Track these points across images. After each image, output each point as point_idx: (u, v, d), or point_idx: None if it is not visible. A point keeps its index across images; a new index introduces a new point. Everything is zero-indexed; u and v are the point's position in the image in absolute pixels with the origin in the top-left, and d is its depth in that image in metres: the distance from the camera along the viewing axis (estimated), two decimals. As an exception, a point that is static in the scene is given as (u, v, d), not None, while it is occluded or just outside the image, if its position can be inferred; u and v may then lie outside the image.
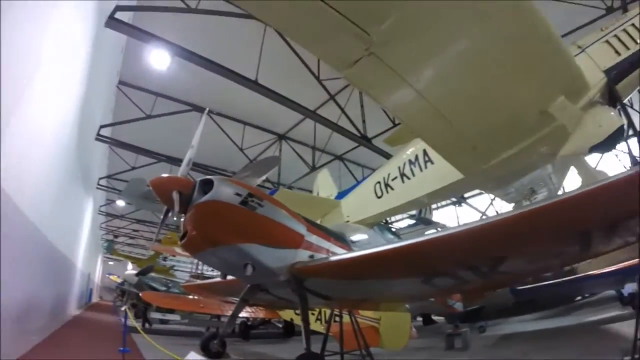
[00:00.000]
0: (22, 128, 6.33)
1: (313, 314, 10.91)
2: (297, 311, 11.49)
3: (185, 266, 46.19)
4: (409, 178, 9.65)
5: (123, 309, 24.10)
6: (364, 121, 13.75)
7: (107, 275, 44.19)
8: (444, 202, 24.29)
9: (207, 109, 6.18)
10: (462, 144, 6.12)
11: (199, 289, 10.60)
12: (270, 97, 11.47)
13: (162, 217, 4.96)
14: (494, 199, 19.53)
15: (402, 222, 24.82)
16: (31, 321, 8.92)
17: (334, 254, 5.37)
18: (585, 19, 10.32)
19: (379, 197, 10.62)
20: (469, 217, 23.18)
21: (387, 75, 4.93)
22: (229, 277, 5.81)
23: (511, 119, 5.81)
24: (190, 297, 14.47)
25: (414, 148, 9.67)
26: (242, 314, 12.70)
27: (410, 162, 9.64)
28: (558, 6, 9.79)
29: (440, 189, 8.72)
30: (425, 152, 9.19)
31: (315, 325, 10.57)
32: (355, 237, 6.51)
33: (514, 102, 5.57)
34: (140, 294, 21.26)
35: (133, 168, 19.54)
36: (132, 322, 5.82)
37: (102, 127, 14.41)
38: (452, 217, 24.88)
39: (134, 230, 36.25)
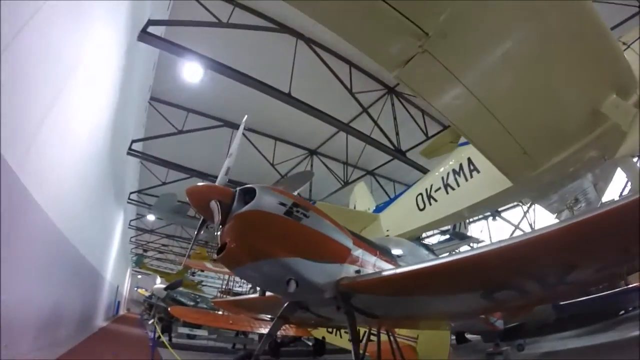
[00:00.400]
0: (54, 136, 6.31)
1: (347, 333, 10.63)
2: (330, 329, 11.27)
3: (213, 282, 46.45)
4: (453, 189, 9.23)
5: (151, 322, 24.24)
6: (397, 134, 13.48)
7: (135, 289, 44.73)
8: (476, 217, 23.60)
9: (245, 116, 5.83)
10: (513, 149, 5.73)
11: (229, 305, 10.35)
12: (303, 109, 11.31)
13: (197, 228, 4.69)
14: (527, 212, 19.02)
15: (433, 237, 24.23)
16: (57, 331, 8.91)
17: (380, 268, 5.04)
18: (619, 17, 9.84)
19: (421, 210, 10.21)
20: (502, 231, 22.48)
21: (439, 73, 4.68)
22: (268, 294, 5.51)
23: (563, 119, 5.48)
24: (219, 313, 14.36)
25: (458, 157, 9.28)
26: (262, 330, 12.48)
27: (454, 171, 9.21)
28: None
29: (487, 198, 8.28)
30: (470, 161, 8.80)
31: (346, 344, 10.31)
32: (398, 251, 6.15)
33: (566, 101, 5.25)
34: (168, 308, 21.35)
35: (164, 183, 19.60)
36: (160, 336, 5.60)
37: (134, 141, 14.50)
38: (485, 232, 24.07)
39: (163, 245, 36.48)
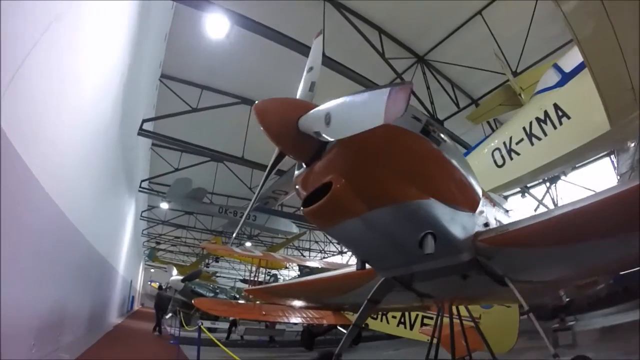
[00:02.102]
0: (53, 112, 5.41)
1: (394, 317, 9.79)
2: (374, 315, 10.31)
3: (227, 272, 45.76)
4: (539, 139, 8.12)
5: (167, 317, 23.38)
6: (432, 102, 12.47)
7: (149, 283, 43.98)
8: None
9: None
10: (623, 81, 5.01)
11: (266, 293, 9.03)
12: (339, 70, 10.47)
13: (269, 167, 3.32)
14: (550, 188, 17.94)
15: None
16: (63, 334, 7.71)
17: (501, 222, 4.03)
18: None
19: (500, 166, 8.89)
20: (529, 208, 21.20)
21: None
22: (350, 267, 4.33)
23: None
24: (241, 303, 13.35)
25: (539, 105, 8.23)
26: (306, 320, 11.43)
27: (539, 120, 8.12)
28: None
29: (581, 146, 7.38)
30: (557, 107, 7.80)
31: (399, 330, 9.69)
32: (504, 205, 5.22)
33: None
34: (186, 301, 20.43)
35: (176, 169, 18.49)
36: (208, 335, 4.47)
37: (144, 121, 13.33)
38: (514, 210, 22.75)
39: (176, 237, 35.53)
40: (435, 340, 6.39)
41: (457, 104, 13.19)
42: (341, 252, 34.31)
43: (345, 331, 14.30)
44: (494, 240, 3.35)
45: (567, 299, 8.98)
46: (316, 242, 34.18)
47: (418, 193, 2.88)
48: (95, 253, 10.46)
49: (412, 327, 9.65)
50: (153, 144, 19.57)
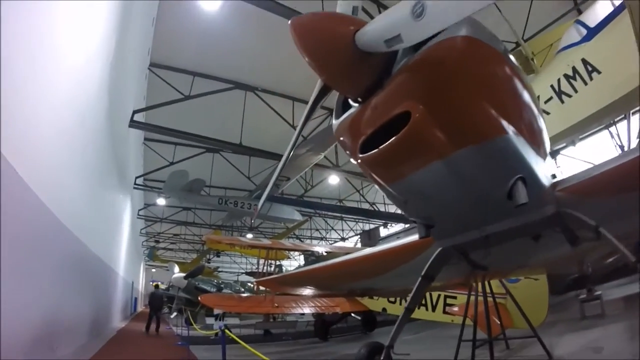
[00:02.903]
0: (42, 114, 5.03)
1: None
2: (392, 299, 9.82)
3: (229, 267, 45.21)
4: (570, 96, 7.69)
5: (172, 316, 22.83)
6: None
7: (150, 283, 43.37)
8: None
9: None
10: None
11: (289, 283, 8.20)
12: None
13: (309, 106, 2.62)
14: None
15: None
16: (59, 344, 6.85)
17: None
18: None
19: None
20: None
21: None
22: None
23: None
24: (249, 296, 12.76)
25: (566, 62, 7.83)
26: (320, 309, 10.85)
27: (567, 76, 7.69)
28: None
29: (614, 102, 6.94)
30: (585, 62, 7.39)
31: (420, 313, 9.03)
32: None
33: None
34: (190, 299, 19.82)
35: (171, 163, 17.79)
36: (233, 337, 3.88)
37: (135, 112, 12.56)
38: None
39: (175, 235, 34.84)
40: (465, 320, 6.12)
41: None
42: (343, 239, 33.80)
43: (358, 317, 13.86)
44: (578, 188, 2.81)
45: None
46: (317, 229, 33.60)
47: (507, 128, 2.31)
48: (89, 253, 9.74)
49: (434, 309, 9.16)
50: (145, 139, 18.90)
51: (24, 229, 4.97)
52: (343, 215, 29.54)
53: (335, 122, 2.62)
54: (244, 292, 20.73)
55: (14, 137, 4.16)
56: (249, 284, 24.93)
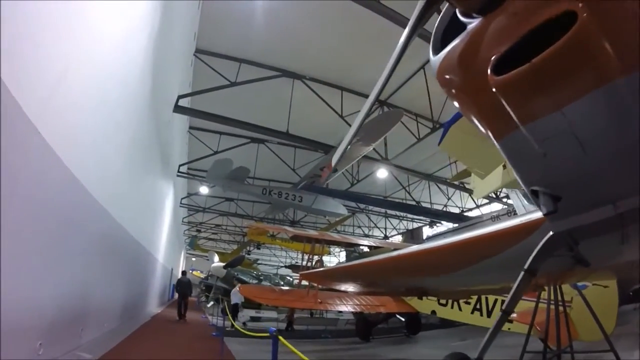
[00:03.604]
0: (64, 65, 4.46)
1: (468, 303, 8.80)
2: (443, 301, 9.18)
3: (269, 260, 45.17)
4: None
5: (209, 305, 22.69)
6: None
7: (190, 271, 43.93)
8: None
9: None
10: None
11: (338, 277, 7.33)
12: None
13: (414, 21, 2.07)
14: None
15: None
16: (85, 328, 6.55)
17: None
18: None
19: None
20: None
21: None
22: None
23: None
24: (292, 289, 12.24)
25: None
26: (365, 308, 10.21)
27: None
28: None
29: None
30: None
31: (474, 318, 8.63)
32: None
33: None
34: (228, 288, 19.52)
35: (216, 152, 17.65)
36: (286, 344, 3.32)
37: (180, 97, 12.31)
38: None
39: (217, 225, 34.92)
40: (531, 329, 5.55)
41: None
42: (386, 237, 32.93)
43: (402, 319, 13.10)
44: None
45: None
46: (359, 227, 32.88)
47: None
48: (127, 237, 9.53)
49: (489, 314, 8.43)
50: (191, 127, 18.75)
51: (56, 204, 4.63)
52: (387, 212, 28.76)
53: (437, 57, 2.00)
54: (283, 285, 20.33)
55: (46, 111, 3.87)
56: (288, 278, 24.58)
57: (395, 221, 31.80)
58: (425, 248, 4.24)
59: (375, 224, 32.16)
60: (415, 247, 4.59)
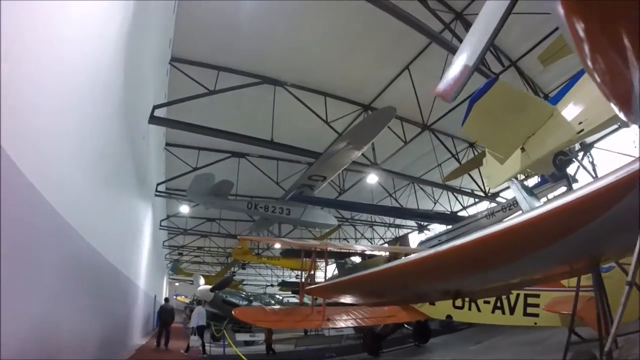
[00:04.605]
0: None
1: (487, 303, 8.30)
2: (459, 304, 8.63)
3: (254, 279, 44.19)
4: None
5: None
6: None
7: (174, 297, 42.49)
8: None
9: None
10: None
11: (349, 289, 6.24)
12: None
13: None
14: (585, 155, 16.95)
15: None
16: None
17: None
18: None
19: None
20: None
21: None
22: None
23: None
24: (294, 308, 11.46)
25: None
26: (377, 320, 9.51)
27: None
28: None
29: None
30: None
31: (495, 318, 8.17)
32: None
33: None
34: (217, 313, 18.62)
35: (195, 169, 16.87)
36: None
37: (155, 107, 11.43)
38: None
39: (199, 248, 33.74)
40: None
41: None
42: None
43: (409, 328, 12.38)
44: None
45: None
46: (345, 238, 32.20)
47: None
48: (102, 261, 8.24)
49: (512, 312, 7.85)
50: (167, 144, 17.85)
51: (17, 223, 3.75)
52: (373, 221, 28.34)
53: None
54: (274, 305, 19.48)
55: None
56: (277, 296, 23.72)
57: (381, 230, 31.29)
58: (482, 236, 3.38)
59: (362, 234, 31.60)
60: (460, 241, 3.71)
